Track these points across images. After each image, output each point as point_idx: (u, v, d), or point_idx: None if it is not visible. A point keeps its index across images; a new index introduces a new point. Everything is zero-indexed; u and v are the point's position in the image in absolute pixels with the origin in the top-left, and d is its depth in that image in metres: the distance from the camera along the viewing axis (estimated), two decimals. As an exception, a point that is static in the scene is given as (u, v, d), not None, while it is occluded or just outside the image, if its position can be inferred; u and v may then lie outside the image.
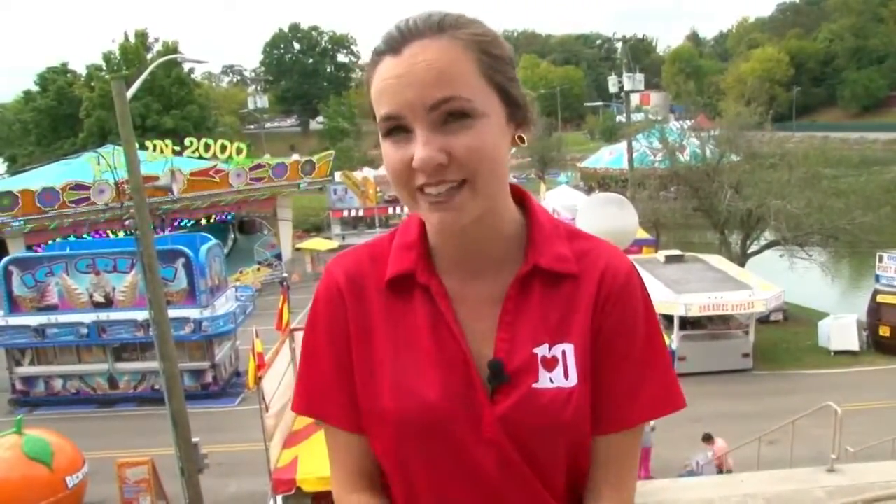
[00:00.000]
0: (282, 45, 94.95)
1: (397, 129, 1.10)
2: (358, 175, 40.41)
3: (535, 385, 1.17)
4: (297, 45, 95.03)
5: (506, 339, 1.19)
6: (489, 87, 1.11)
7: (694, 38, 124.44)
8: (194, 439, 11.62)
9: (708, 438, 13.33)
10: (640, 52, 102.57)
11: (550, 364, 1.18)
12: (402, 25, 1.11)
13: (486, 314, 1.21)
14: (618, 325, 1.21)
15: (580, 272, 1.22)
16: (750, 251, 26.68)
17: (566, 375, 1.18)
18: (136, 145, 11.74)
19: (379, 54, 1.12)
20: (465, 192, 1.10)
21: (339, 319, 1.26)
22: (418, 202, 1.13)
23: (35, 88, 59.83)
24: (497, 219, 1.20)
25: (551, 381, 1.17)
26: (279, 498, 8.43)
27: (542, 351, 1.18)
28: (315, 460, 7.69)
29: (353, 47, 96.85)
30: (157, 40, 57.96)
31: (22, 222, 25.88)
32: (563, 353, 1.19)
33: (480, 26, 1.14)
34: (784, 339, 22.33)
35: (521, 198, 1.28)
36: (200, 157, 31.37)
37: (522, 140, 1.19)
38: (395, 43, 1.10)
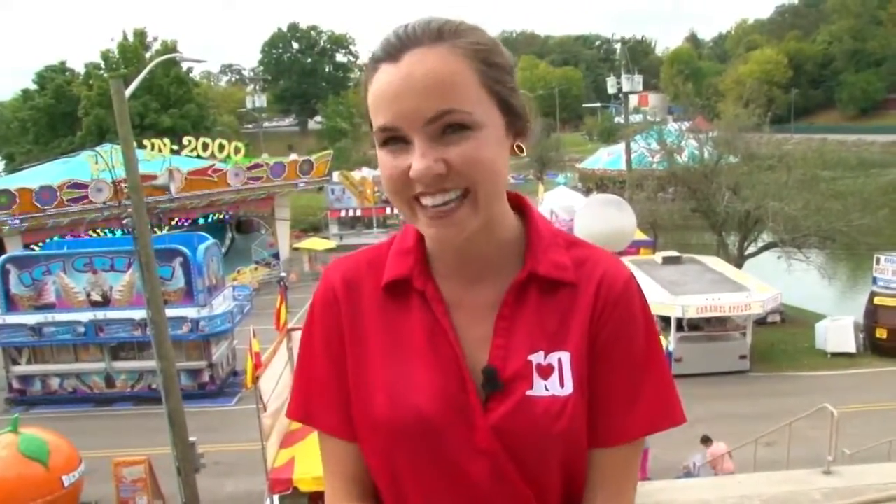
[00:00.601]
0: (280, 45, 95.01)
1: (394, 139, 1.08)
2: (356, 175, 40.44)
3: (529, 393, 1.15)
4: (295, 45, 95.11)
5: (501, 346, 1.17)
6: (488, 98, 1.09)
7: (693, 39, 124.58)
8: (191, 439, 11.62)
9: (706, 440, 13.29)
10: (638, 54, 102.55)
11: (546, 372, 1.16)
12: (401, 32, 1.09)
13: (482, 320, 1.19)
14: (615, 335, 1.18)
15: (578, 280, 1.20)
16: (747, 253, 26.68)
17: (562, 384, 1.15)
18: (135, 144, 11.73)
19: (376, 61, 1.09)
20: (466, 207, 1.09)
21: (335, 325, 1.24)
22: (416, 214, 1.11)
23: (33, 87, 59.82)
24: (495, 226, 1.18)
25: (546, 388, 1.15)
26: (276, 498, 8.43)
27: (537, 358, 1.16)
28: (312, 460, 7.67)
29: (351, 47, 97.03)
30: (155, 39, 58.02)
31: (19, 221, 25.84)
32: (560, 361, 1.16)
33: (481, 34, 1.12)
34: (781, 340, 22.34)
35: (520, 205, 1.26)
36: (198, 157, 31.40)
37: (521, 149, 1.17)
38: (394, 50, 1.07)
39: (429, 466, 1.17)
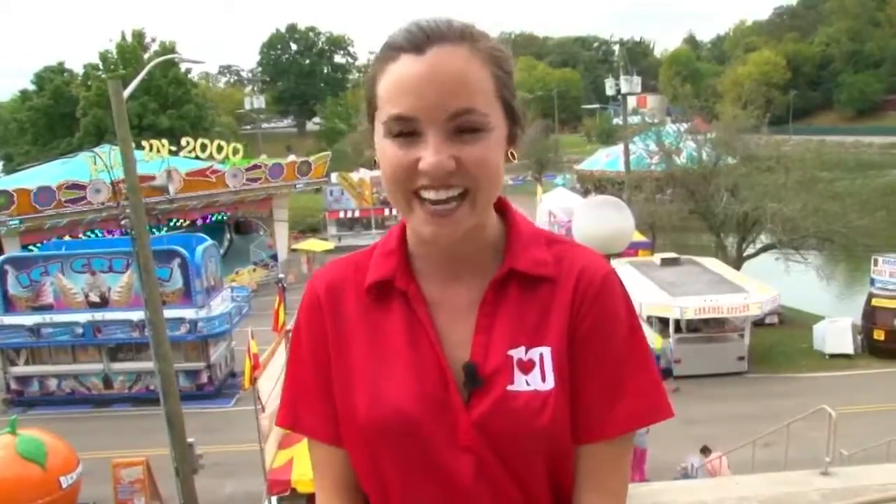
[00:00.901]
0: (279, 46, 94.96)
1: (405, 130, 1.08)
2: (354, 176, 40.41)
3: (509, 388, 1.14)
4: (294, 46, 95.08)
5: (482, 343, 1.17)
6: (499, 104, 1.12)
7: (691, 40, 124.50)
8: (189, 440, 11.62)
9: (706, 451, 13.10)
10: (637, 55, 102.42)
11: (526, 367, 1.16)
12: (425, 25, 1.09)
13: (463, 319, 1.20)
14: (594, 329, 1.18)
15: (557, 275, 1.20)
16: (746, 254, 26.70)
17: (543, 378, 1.15)
18: (133, 145, 11.73)
19: (396, 49, 1.09)
20: (465, 207, 1.10)
21: (320, 331, 1.25)
22: (413, 209, 1.12)
23: (32, 88, 59.78)
24: (480, 227, 1.19)
25: (527, 383, 1.14)
26: (274, 499, 8.43)
27: (517, 353, 1.16)
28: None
29: (349, 48, 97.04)
30: (154, 40, 57.89)
31: (18, 221, 25.81)
32: (541, 356, 1.16)
33: (495, 40, 1.14)
34: (779, 342, 22.35)
35: (501, 207, 1.27)
36: (197, 158, 31.37)
37: (513, 156, 1.19)
38: (419, 42, 1.08)
39: (412, 466, 1.17)
